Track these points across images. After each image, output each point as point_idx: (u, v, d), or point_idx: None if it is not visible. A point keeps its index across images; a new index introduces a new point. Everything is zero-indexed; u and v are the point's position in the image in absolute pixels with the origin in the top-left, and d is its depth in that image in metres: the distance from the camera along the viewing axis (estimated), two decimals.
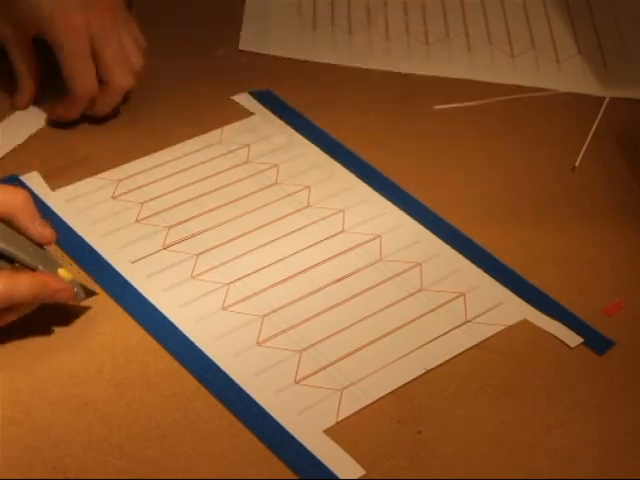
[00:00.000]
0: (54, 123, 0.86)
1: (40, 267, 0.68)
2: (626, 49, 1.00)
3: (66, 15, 0.81)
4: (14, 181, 0.80)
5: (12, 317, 0.67)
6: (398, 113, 0.91)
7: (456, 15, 1.03)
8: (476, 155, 0.87)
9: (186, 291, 0.73)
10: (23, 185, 0.79)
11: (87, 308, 0.71)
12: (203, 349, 0.69)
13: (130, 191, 0.80)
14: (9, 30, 0.84)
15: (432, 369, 0.69)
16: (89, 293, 0.70)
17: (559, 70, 0.98)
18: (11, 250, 0.67)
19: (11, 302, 0.66)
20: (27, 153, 0.83)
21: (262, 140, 0.86)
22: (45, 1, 0.81)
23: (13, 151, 0.83)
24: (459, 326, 0.72)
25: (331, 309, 0.72)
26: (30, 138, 0.84)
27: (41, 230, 0.69)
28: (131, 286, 0.73)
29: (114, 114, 0.86)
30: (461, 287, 0.74)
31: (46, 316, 0.69)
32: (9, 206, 0.68)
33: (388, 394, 0.67)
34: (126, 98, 0.87)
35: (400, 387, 0.67)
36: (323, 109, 0.90)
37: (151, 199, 0.80)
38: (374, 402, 0.66)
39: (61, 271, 0.69)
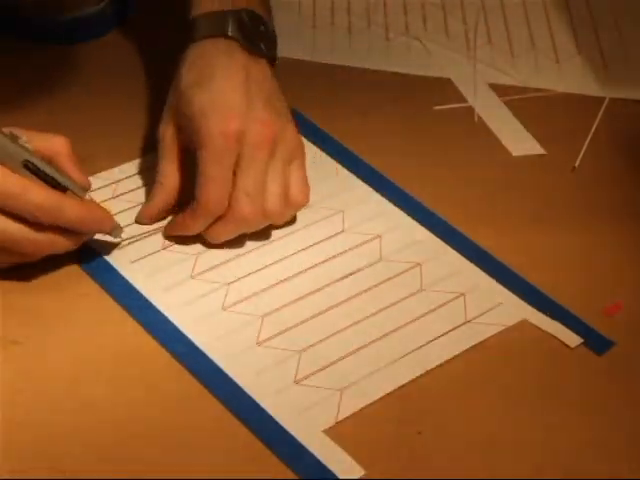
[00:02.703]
0: None
1: (88, 197, 0.71)
2: (626, 49, 1.00)
3: (221, 118, 0.72)
4: None
5: (61, 246, 0.69)
6: (398, 113, 0.91)
7: (456, 15, 1.03)
8: (476, 155, 0.87)
9: (186, 291, 0.73)
10: None
11: (87, 309, 0.71)
12: (203, 349, 0.69)
13: (130, 191, 0.80)
14: (168, 132, 0.76)
15: (432, 369, 0.69)
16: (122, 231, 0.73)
17: (559, 70, 0.98)
18: (66, 181, 0.69)
19: (62, 220, 0.68)
20: None
21: None
22: (207, 94, 0.73)
23: None
24: (459, 326, 0.72)
25: (331, 309, 0.72)
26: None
27: (81, 174, 0.72)
28: (131, 286, 0.72)
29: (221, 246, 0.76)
30: (461, 287, 0.74)
31: (46, 316, 0.69)
32: (53, 149, 0.71)
33: (388, 394, 0.67)
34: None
35: (400, 387, 0.67)
36: (323, 109, 0.90)
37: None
38: (374, 402, 0.66)
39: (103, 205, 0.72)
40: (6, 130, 0.69)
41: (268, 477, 0.62)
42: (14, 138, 0.69)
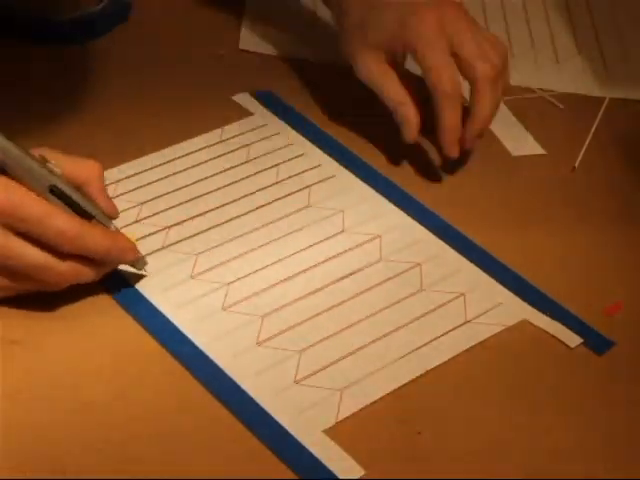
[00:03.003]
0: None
1: (113, 227, 0.70)
2: (626, 49, 1.00)
3: (419, 18, 0.80)
4: None
5: (83, 276, 0.68)
6: None
7: None
8: (476, 155, 0.87)
9: (186, 291, 0.73)
10: None
11: (87, 309, 0.71)
12: (203, 349, 0.69)
13: (130, 191, 0.80)
14: (365, 55, 0.83)
15: (432, 369, 0.69)
16: (146, 263, 0.72)
17: (559, 70, 0.98)
18: (92, 208, 0.68)
19: (85, 249, 0.66)
20: None
21: (262, 140, 0.86)
22: (395, 12, 0.81)
23: None
24: (459, 326, 0.72)
25: (331, 309, 0.72)
26: (27, 134, 0.84)
27: (110, 203, 0.71)
28: (131, 286, 0.72)
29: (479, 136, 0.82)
30: (461, 287, 0.74)
31: (46, 316, 0.69)
32: (83, 176, 0.69)
33: (388, 394, 0.67)
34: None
35: (400, 387, 0.67)
36: (323, 109, 0.90)
37: (151, 199, 0.80)
38: (374, 402, 0.66)
39: (128, 235, 0.71)
40: (36, 152, 0.68)
41: (268, 477, 0.62)
42: (42, 161, 0.67)
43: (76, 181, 0.69)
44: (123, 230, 0.72)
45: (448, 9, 0.82)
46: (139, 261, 0.71)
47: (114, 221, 0.71)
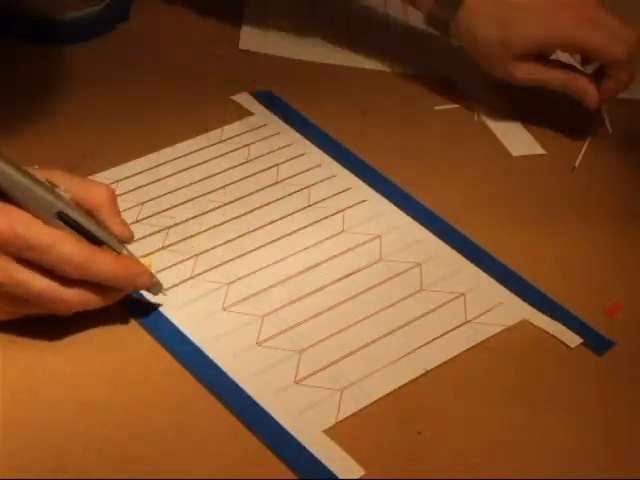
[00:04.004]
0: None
1: (125, 252, 0.68)
2: None
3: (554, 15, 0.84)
4: None
5: (92, 303, 0.66)
6: (398, 113, 0.91)
7: None
8: (476, 155, 0.87)
9: (186, 291, 0.73)
10: None
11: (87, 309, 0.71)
12: (203, 349, 0.69)
13: (130, 191, 0.80)
14: (516, 64, 0.87)
15: (432, 369, 0.69)
16: (162, 288, 0.70)
17: None
18: (101, 233, 0.67)
19: (94, 274, 0.65)
20: (26, 151, 0.82)
21: (262, 140, 0.86)
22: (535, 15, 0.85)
23: (12, 147, 0.82)
24: (459, 326, 0.72)
25: (331, 309, 0.72)
26: (27, 134, 0.84)
27: (122, 227, 0.69)
28: None
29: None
30: (461, 287, 0.74)
31: (46, 316, 0.69)
32: (94, 200, 0.68)
33: (388, 394, 0.67)
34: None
35: (400, 387, 0.67)
36: (323, 109, 0.90)
37: (151, 199, 0.80)
38: (374, 402, 0.66)
39: (142, 260, 0.69)
40: (44, 176, 0.66)
41: (268, 477, 0.62)
42: (50, 187, 0.65)
43: (86, 205, 0.67)
44: (138, 254, 0.70)
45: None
46: (154, 286, 0.69)
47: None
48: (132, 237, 0.69)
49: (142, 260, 0.69)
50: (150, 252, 0.75)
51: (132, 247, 0.71)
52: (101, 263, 0.65)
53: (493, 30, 0.86)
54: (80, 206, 0.67)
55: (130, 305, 0.71)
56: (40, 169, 0.67)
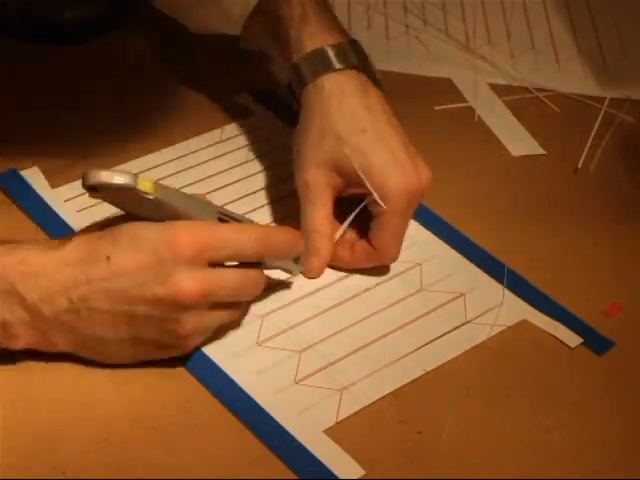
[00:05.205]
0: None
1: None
2: (626, 49, 1.00)
3: (402, 175, 0.72)
4: (14, 175, 0.80)
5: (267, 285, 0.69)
6: (398, 113, 0.90)
7: (456, 15, 1.03)
8: (476, 155, 0.87)
9: None
10: (23, 180, 0.79)
11: None
12: (203, 349, 0.69)
13: None
14: (320, 178, 0.73)
15: (432, 369, 0.68)
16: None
17: (559, 70, 0.98)
18: (232, 213, 0.69)
19: (275, 245, 0.67)
20: (27, 151, 0.83)
21: (262, 140, 0.86)
22: (374, 152, 0.73)
23: (13, 146, 0.83)
24: (459, 327, 0.72)
25: (331, 309, 0.72)
26: (27, 133, 0.84)
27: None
28: None
29: None
30: (461, 287, 0.74)
31: None
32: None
33: (388, 394, 0.67)
34: None
35: (400, 387, 0.67)
36: None
37: None
38: (374, 402, 0.66)
39: None
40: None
41: (268, 477, 0.62)
42: (201, 196, 0.70)
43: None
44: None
45: (423, 172, 0.74)
46: (298, 261, 0.72)
47: None
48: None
49: None
50: None
51: None
52: (276, 235, 0.67)
53: (341, 124, 0.74)
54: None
55: None
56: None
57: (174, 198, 0.65)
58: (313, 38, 0.76)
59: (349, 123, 0.74)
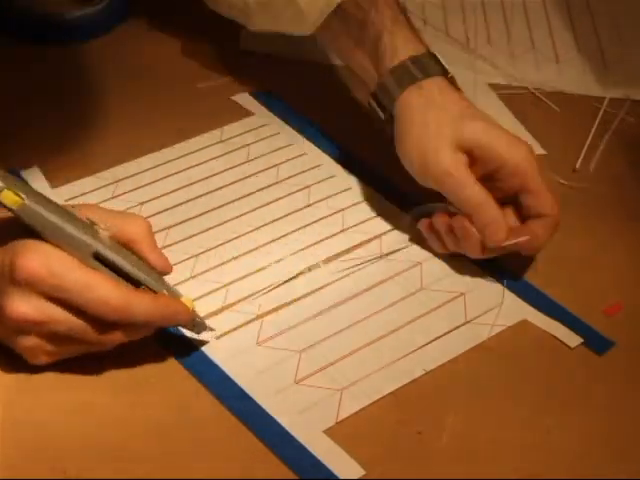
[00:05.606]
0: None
1: (164, 292, 0.66)
2: (626, 49, 1.00)
3: (519, 145, 0.75)
4: (14, 175, 0.79)
5: (132, 336, 0.65)
6: None
7: (456, 15, 1.03)
8: None
9: (186, 291, 0.72)
10: (23, 180, 0.79)
11: None
12: (203, 349, 0.69)
13: (130, 191, 0.80)
14: (459, 162, 0.74)
15: (432, 369, 0.68)
16: (206, 327, 0.69)
17: (559, 70, 0.98)
18: (138, 273, 0.65)
19: (130, 317, 0.63)
20: (27, 151, 0.83)
21: (262, 140, 0.86)
22: (493, 130, 0.76)
23: (13, 146, 0.82)
24: (459, 327, 0.72)
25: (331, 309, 0.72)
26: (27, 133, 0.84)
27: (161, 259, 0.67)
28: None
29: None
30: (461, 287, 0.74)
31: None
32: (131, 233, 0.66)
33: (388, 394, 0.67)
34: None
35: (400, 387, 0.67)
36: (323, 109, 0.90)
37: (151, 199, 0.80)
38: (374, 402, 0.66)
39: (183, 299, 0.67)
40: (83, 213, 0.65)
41: (268, 477, 0.62)
42: (89, 225, 0.64)
43: (123, 239, 0.66)
44: (182, 290, 0.68)
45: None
46: (196, 325, 0.68)
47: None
48: (171, 269, 0.68)
49: (183, 299, 0.67)
50: None
51: None
52: (138, 306, 0.63)
53: (453, 111, 0.77)
54: (118, 240, 0.66)
55: None
56: (78, 207, 0.66)
57: (42, 221, 0.62)
58: (407, 44, 0.79)
59: (459, 111, 0.76)
